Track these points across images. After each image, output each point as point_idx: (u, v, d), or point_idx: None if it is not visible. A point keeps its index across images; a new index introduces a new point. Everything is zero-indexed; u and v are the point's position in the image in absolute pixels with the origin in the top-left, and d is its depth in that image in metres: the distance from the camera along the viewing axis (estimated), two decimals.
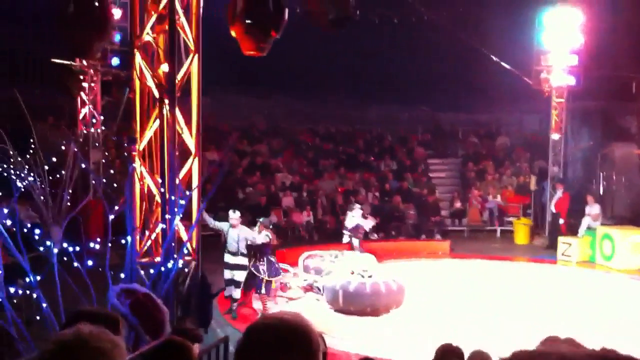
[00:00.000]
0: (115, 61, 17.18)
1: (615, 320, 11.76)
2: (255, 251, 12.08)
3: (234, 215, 11.99)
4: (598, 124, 22.57)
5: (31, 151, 14.14)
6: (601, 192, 20.22)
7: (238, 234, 11.82)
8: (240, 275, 11.95)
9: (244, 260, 11.97)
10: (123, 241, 6.64)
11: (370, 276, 12.49)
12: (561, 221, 19.02)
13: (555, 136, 20.24)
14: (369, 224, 15.56)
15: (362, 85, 25.02)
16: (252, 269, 12.01)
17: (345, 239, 15.44)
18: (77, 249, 6.14)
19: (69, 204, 14.04)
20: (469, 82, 23.59)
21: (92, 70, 17.18)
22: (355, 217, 15.24)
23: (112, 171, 15.01)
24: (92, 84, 17.40)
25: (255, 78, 22.54)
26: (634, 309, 12.81)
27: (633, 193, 19.09)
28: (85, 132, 17.40)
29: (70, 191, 14.53)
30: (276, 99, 26.10)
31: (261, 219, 12.40)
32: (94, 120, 17.25)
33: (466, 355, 4.70)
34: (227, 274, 11.99)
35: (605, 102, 22.63)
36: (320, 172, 22.64)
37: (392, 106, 27.28)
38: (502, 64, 19.51)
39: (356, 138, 25.29)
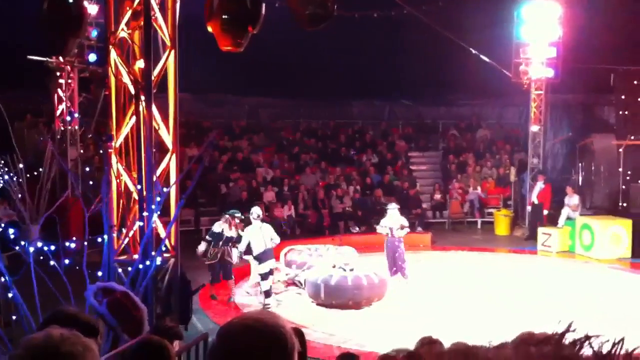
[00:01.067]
0: (92, 57, 17.03)
1: (595, 309, 11.88)
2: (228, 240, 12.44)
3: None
4: (577, 115, 22.74)
5: (8, 149, 14.01)
6: (580, 183, 20.39)
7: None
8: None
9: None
10: (100, 239, 6.59)
11: (352, 270, 12.53)
12: (545, 212, 19.18)
13: (534, 128, 20.38)
14: (397, 222, 14.07)
15: (343, 81, 24.99)
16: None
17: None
18: (53, 248, 6.08)
19: (47, 202, 13.92)
20: (450, 76, 23.63)
21: (68, 67, 17.01)
22: (388, 218, 14.11)
23: (87, 169, 14.88)
24: (69, 81, 17.23)
25: (237, 75, 22.46)
26: (613, 297, 12.97)
27: (612, 184, 19.26)
28: (62, 129, 17.23)
29: (49, 189, 14.41)
30: (258, 96, 26.02)
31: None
32: (68, 118, 17.08)
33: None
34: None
35: (584, 94, 22.80)
36: (302, 167, 22.63)
37: (374, 101, 27.32)
38: (482, 57, 19.58)
39: (338, 133, 25.29)
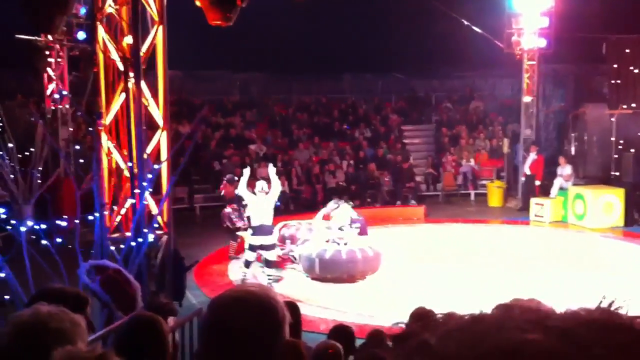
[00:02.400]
0: (81, 35, 16.84)
1: (587, 277, 11.96)
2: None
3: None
4: (569, 85, 22.70)
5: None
6: (573, 153, 20.42)
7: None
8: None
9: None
10: (91, 217, 6.58)
11: (346, 244, 12.57)
12: (537, 183, 19.23)
13: (527, 99, 20.34)
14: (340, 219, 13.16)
15: (335, 55, 24.86)
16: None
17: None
18: (45, 227, 6.07)
19: (39, 182, 13.85)
20: (443, 48, 23.51)
21: (58, 46, 16.83)
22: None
23: (77, 147, 14.77)
24: (59, 60, 17.07)
25: (229, 52, 22.32)
26: (605, 265, 13.06)
27: (604, 153, 19.30)
28: (53, 108, 17.11)
29: (41, 169, 14.34)
30: (250, 72, 25.88)
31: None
32: (56, 96, 16.93)
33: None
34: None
35: (576, 63, 22.72)
36: (295, 142, 22.57)
37: (366, 75, 27.20)
38: (474, 28, 19.47)
39: (331, 108, 25.20)
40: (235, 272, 13.00)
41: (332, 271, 12.22)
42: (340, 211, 13.22)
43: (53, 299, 2.95)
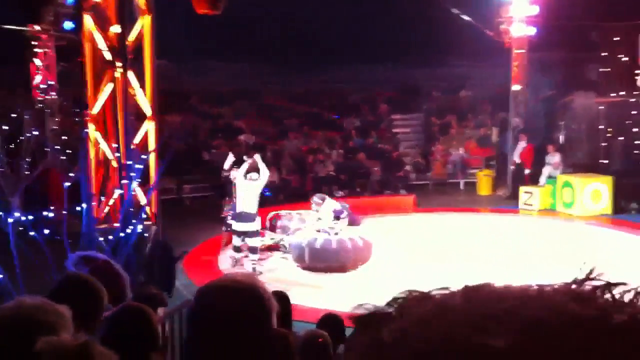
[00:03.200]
0: (68, 25, 16.69)
1: (575, 264, 12.00)
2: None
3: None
4: (558, 74, 22.73)
5: None
6: (562, 141, 20.48)
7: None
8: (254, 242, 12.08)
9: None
10: (78, 208, 6.55)
11: (336, 233, 12.57)
12: (527, 171, 19.29)
13: (516, 87, 20.34)
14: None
15: (325, 45, 24.83)
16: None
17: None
18: (33, 218, 6.04)
19: (27, 173, 13.76)
20: (433, 38, 23.52)
21: (45, 36, 16.70)
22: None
23: (64, 137, 14.68)
24: (46, 50, 16.93)
25: (220, 42, 22.26)
26: (593, 252, 13.13)
27: (593, 141, 19.37)
28: (40, 99, 16.99)
29: (29, 160, 14.23)
30: (240, 63, 25.81)
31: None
32: (42, 86, 16.81)
33: None
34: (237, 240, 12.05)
35: (565, 51, 22.73)
36: (285, 132, 22.54)
37: (358, 65, 27.16)
38: (462, 16, 19.45)
39: (321, 98, 25.17)
40: (225, 261, 12.98)
41: (322, 260, 12.23)
42: (325, 207, 13.20)
43: (76, 288, 2.95)
